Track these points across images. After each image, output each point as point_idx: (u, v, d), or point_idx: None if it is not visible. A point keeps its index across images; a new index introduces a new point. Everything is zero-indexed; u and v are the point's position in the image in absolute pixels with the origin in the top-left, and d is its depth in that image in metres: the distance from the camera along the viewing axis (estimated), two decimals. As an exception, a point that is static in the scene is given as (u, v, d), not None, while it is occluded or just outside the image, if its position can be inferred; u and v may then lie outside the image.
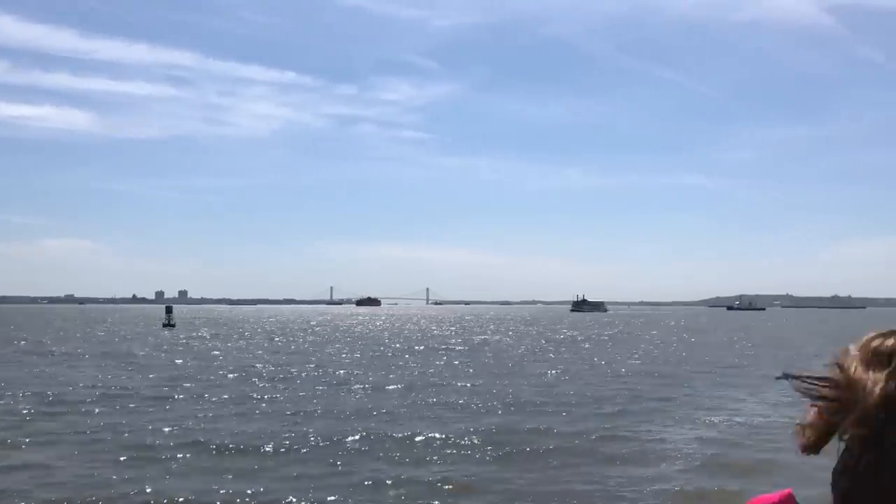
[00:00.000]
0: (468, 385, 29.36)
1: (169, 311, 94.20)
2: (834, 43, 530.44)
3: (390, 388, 28.29)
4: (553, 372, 34.82)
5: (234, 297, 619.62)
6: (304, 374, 33.35)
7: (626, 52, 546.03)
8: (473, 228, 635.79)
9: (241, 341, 61.44)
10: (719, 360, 41.82)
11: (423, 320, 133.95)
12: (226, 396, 25.44)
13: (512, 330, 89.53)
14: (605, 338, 70.89)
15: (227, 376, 32.31)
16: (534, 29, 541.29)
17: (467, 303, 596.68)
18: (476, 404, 23.69)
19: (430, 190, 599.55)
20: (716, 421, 21.02)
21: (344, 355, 45.85)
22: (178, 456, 15.96)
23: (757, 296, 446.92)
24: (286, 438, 17.81)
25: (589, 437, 18.33)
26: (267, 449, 16.66)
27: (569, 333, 79.99)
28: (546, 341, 63.56)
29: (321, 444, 17.31)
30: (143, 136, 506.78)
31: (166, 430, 19.01)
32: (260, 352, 48.43)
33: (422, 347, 53.84)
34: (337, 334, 75.99)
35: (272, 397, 25.58)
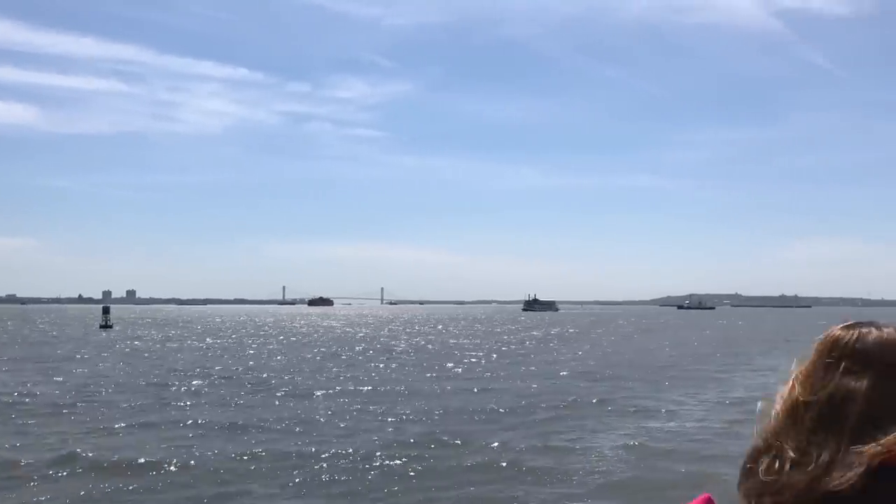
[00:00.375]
0: (400, 388, 27.97)
1: (106, 311, 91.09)
2: (782, 47, 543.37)
3: (317, 394, 26.70)
4: (490, 375, 33.63)
5: (184, 297, 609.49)
6: (229, 379, 31.58)
7: (581, 53, 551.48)
8: (429, 228, 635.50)
9: (176, 343, 59.09)
10: (662, 360, 41.14)
11: (373, 321, 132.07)
12: (134, 405, 23.60)
13: (459, 330, 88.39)
14: (552, 336, 70.18)
15: (144, 382, 30.33)
16: (490, 29, 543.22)
17: (422, 302, 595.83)
18: (402, 413, 22.25)
19: (386, 189, 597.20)
20: (650, 426, 20.01)
21: (279, 357, 44.07)
22: (50, 476, 14.25)
23: (707, 295, 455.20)
24: (181, 454, 16.14)
25: (514, 449, 17.05)
26: (154, 467, 15.01)
27: (517, 334, 79.14)
28: (494, 341, 62.46)
29: (217, 461, 15.69)
30: (90, 132, 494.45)
31: (51, 442, 17.26)
32: (192, 354, 46.31)
33: (361, 347, 52.26)
34: (280, 336, 73.89)
35: (185, 405, 23.83)
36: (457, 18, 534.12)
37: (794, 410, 1.37)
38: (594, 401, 24.89)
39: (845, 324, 1.46)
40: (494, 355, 46.21)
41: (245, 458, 15.93)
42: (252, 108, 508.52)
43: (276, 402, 24.44)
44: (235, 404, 23.93)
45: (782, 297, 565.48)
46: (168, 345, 56.31)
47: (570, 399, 25.22)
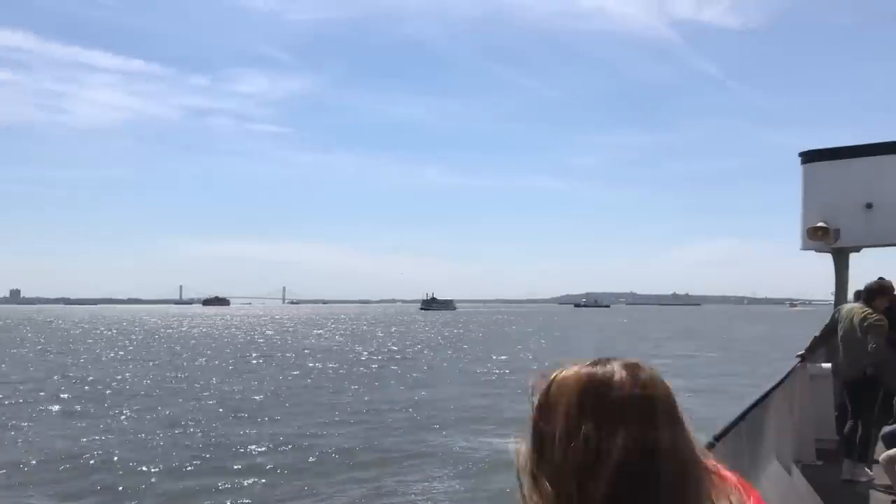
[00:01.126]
0: (236, 405, 24.41)
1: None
2: (676, 56, 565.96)
3: (125, 413, 22.62)
4: (344, 389, 30.01)
5: (74, 297, 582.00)
6: (50, 393, 27.43)
7: (483, 55, 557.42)
8: (333, 226, 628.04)
9: (23, 348, 53.52)
10: (540, 363, 39.08)
11: (265, 321, 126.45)
12: None
13: (347, 333, 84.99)
14: (441, 338, 67.74)
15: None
16: (393, 28, 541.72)
17: (325, 302, 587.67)
18: (214, 441, 18.68)
19: (288, 186, 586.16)
20: (497, 448, 17.47)
21: (131, 365, 39.77)
22: None
23: (604, 293, 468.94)
24: None
25: (320, 496, 13.96)
26: None
27: (409, 336, 76.53)
28: (375, 345, 59.49)
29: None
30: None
31: None
32: (26, 360, 41.02)
33: (212, 353, 47.80)
34: (140, 339, 68.51)
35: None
36: (359, 15, 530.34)
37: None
38: (451, 409, 22.31)
39: (579, 367, 1.21)
40: (366, 356, 43.20)
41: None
42: (148, 100, 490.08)
43: (80, 425, 20.51)
44: (22, 427, 20.08)
45: (674, 295, 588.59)
46: (10, 350, 50.80)
47: (422, 415, 22.31)
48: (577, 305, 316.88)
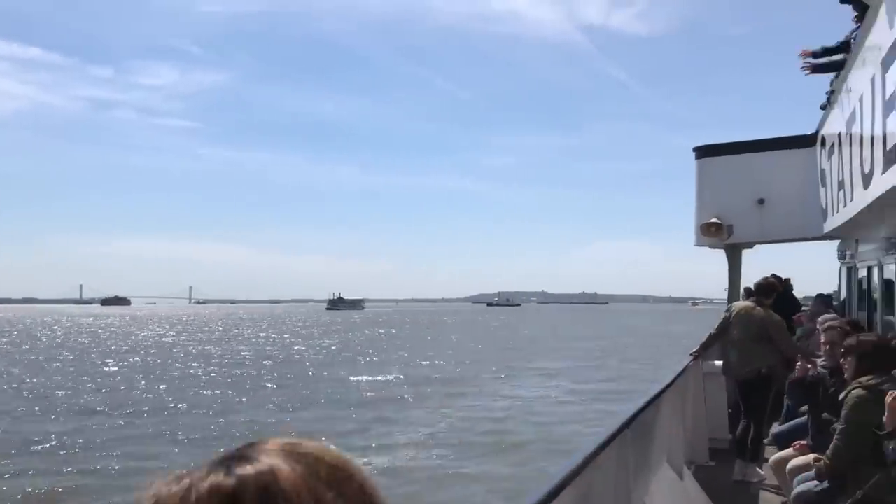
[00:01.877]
0: (48, 421, 21.08)
1: None
2: (585, 60, 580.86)
3: None
4: (211, 398, 26.81)
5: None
6: None
7: (397, 54, 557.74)
8: (243, 224, 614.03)
9: None
10: (431, 372, 36.82)
11: (158, 321, 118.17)
12: None
13: (238, 337, 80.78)
14: (338, 342, 64.03)
15: None
16: (307, 24, 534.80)
17: (234, 302, 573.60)
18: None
19: (197, 182, 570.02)
20: None
21: None
22: None
23: (516, 293, 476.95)
24: None
25: None
26: None
27: (299, 339, 73.58)
28: (257, 349, 55.51)
29: None
30: None
31: None
32: None
33: (81, 354, 41.57)
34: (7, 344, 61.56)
35: None
36: (272, 10, 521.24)
37: None
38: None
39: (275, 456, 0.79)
40: (246, 361, 38.74)
41: None
42: (46, 91, 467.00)
43: None
44: None
45: (583, 294, 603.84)
46: None
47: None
48: (489, 304, 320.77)
